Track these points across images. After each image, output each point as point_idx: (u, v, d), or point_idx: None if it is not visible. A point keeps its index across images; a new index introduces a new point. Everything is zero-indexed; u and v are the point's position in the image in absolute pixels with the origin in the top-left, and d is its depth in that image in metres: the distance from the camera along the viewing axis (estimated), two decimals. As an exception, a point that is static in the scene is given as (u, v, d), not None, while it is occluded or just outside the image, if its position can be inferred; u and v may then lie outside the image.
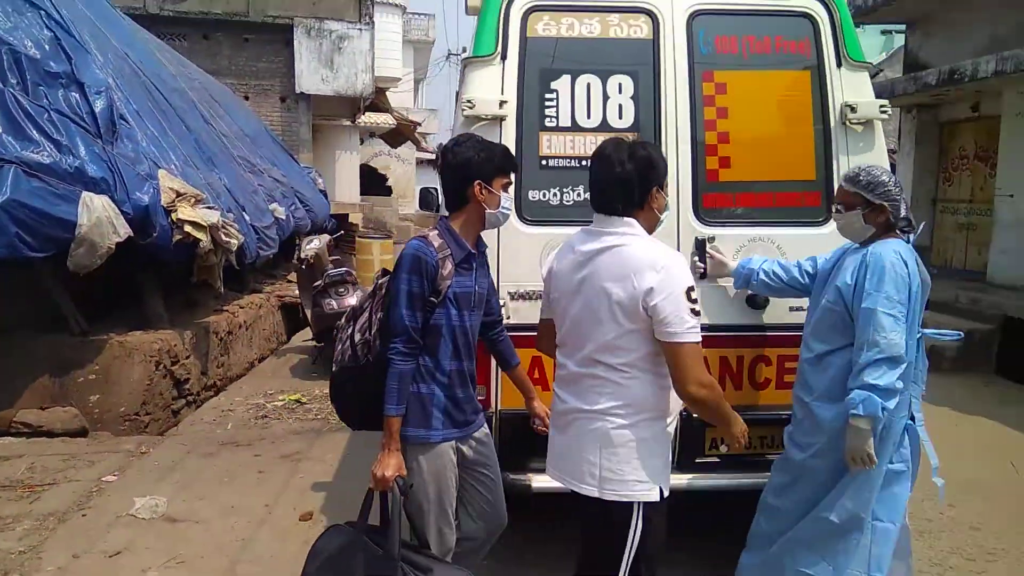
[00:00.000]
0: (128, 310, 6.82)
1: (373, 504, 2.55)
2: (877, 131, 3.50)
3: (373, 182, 23.58)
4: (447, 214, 2.65)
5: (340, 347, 2.72)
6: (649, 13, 3.37)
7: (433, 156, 27.81)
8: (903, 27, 10.85)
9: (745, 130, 3.44)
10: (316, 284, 7.56)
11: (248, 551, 3.74)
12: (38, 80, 6.03)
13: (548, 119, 3.33)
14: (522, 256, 3.29)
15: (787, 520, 3.04)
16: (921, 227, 3.15)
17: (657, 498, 2.34)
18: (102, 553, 3.64)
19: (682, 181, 3.34)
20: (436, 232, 2.57)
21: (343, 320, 2.79)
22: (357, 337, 2.64)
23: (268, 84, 16.01)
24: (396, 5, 21.34)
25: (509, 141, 3.26)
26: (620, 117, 3.35)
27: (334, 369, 2.75)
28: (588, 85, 3.35)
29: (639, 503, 2.32)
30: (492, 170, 2.57)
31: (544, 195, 3.33)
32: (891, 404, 2.69)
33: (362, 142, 22.73)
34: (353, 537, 2.50)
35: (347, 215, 18.16)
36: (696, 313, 2.26)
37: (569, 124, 3.33)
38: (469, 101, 3.27)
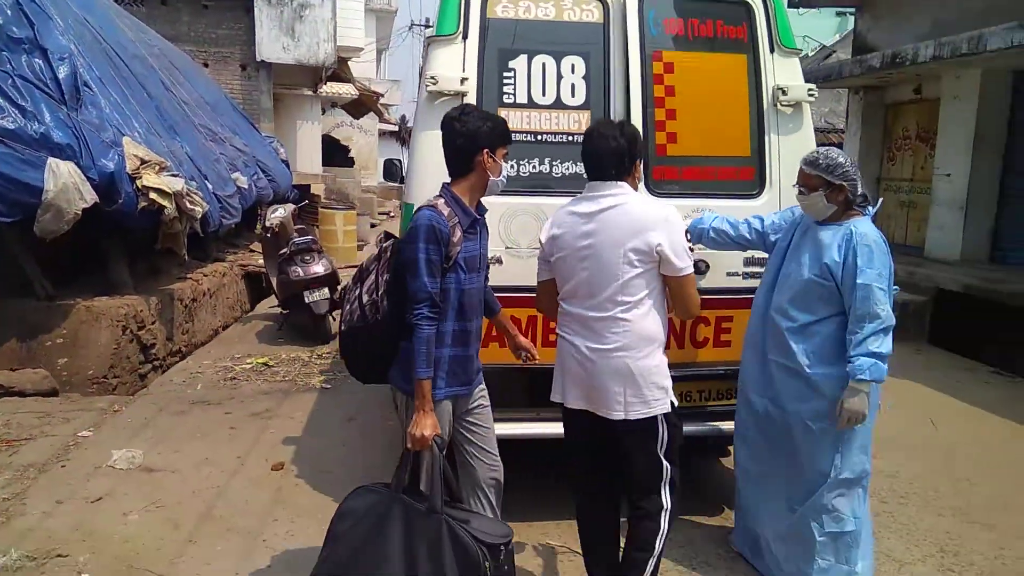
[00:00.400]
0: (93, 276, 6.91)
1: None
2: (805, 113, 3.82)
3: (335, 153, 23.40)
4: (448, 181, 2.79)
5: (348, 307, 2.80)
6: (600, -2, 3.63)
7: (396, 128, 27.72)
8: (854, 10, 11.25)
9: (689, 108, 3.72)
10: (282, 252, 7.71)
11: (223, 497, 3.99)
12: (1, 46, 6.06)
13: (506, 96, 3.59)
14: (481, 223, 3.54)
15: (781, 482, 3.30)
16: (880, 203, 3.49)
17: (670, 408, 2.86)
18: (84, 499, 3.86)
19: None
20: (443, 200, 2.69)
21: (350, 282, 2.87)
22: (365, 298, 2.74)
23: (228, 52, 15.83)
24: (357, -26, 21.09)
25: (470, 116, 3.51)
26: (572, 95, 3.62)
27: (343, 328, 2.82)
28: (543, 65, 3.60)
29: (660, 415, 2.83)
30: (497, 139, 2.76)
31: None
32: (886, 370, 3.01)
33: (324, 112, 22.54)
34: (387, 496, 2.57)
35: (309, 186, 18.12)
36: (692, 248, 2.89)
37: (526, 101, 3.59)
38: (433, 78, 3.50)
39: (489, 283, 3.30)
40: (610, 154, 2.82)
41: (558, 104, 3.60)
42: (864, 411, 3.01)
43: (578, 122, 3.60)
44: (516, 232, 3.58)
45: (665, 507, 2.88)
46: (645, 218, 2.78)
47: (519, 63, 3.59)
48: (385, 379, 2.81)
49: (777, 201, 3.76)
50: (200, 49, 15.51)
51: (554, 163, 3.61)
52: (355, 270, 2.89)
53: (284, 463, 4.44)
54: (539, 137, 3.60)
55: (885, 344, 2.98)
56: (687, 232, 3.53)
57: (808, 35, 15.13)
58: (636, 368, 2.80)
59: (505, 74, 3.59)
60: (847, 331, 3.05)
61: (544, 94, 3.61)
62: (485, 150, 2.72)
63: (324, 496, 4.04)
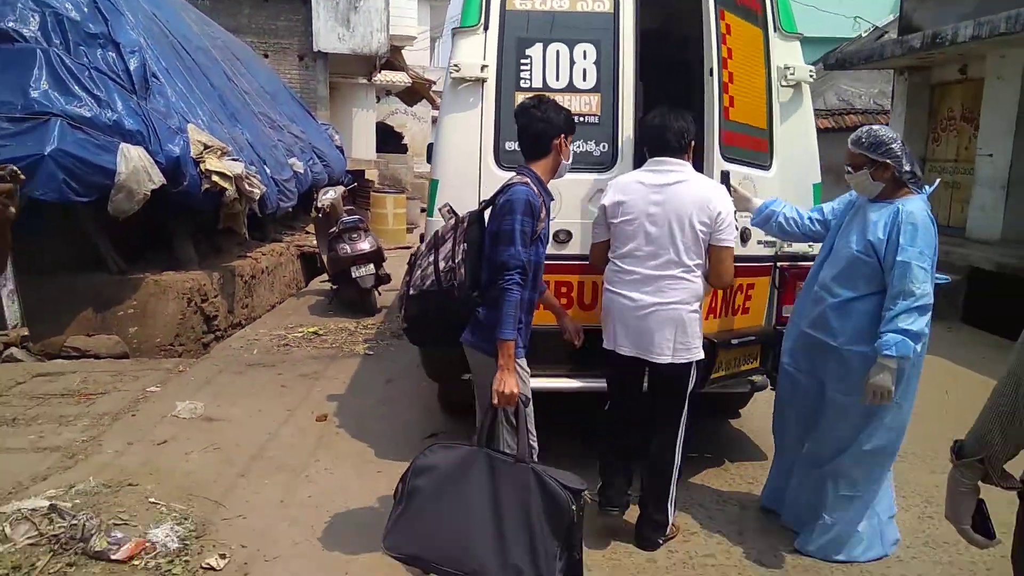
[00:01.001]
0: (161, 253, 7.50)
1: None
2: (805, 93, 4.07)
3: (389, 139, 24.03)
4: (530, 163, 3.03)
5: (419, 272, 2.95)
6: (611, -11, 3.93)
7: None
8: (899, -9, 11.20)
9: (739, 74, 3.92)
10: (331, 231, 8.22)
11: (273, 441, 4.49)
12: (79, 40, 6.65)
13: (523, 80, 3.93)
14: (499, 196, 3.90)
15: (812, 445, 3.50)
16: (936, 182, 3.57)
17: (703, 356, 3.38)
18: (151, 442, 4.39)
19: (708, 119, 3.74)
20: (530, 180, 2.92)
21: (423, 247, 3.02)
22: (442, 264, 2.88)
23: (287, 43, 16.49)
24: (412, -37, 21.56)
25: (490, 100, 3.89)
26: (584, 79, 3.94)
27: (411, 292, 2.95)
28: (557, 52, 3.93)
29: (695, 361, 3.35)
30: (569, 127, 3.07)
31: (518, 145, 3.94)
32: (919, 347, 3.05)
33: (378, 100, 23.15)
34: (469, 450, 2.67)
35: (363, 171, 18.72)
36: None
37: (540, 85, 3.92)
38: (456, 65, 3.88)
39: None
40: (673, 132, 3.31)
41: (571, 88, 3.93)
42: (888, 387, 3.06)
43: (588, 104, 3.93)
44: (531, 204, 3.92)
45: (680, 433, 3.41)
46: (708, 193, 3.28)
47: (535, 51, 3.93)
48: (446, 342, 3.04)
49: (778, 174, 4.02)
50: (260, 40, 16.19)
51: (566, 142, 3.94)
52: (411, 248, 3.16)
53: (327, 415, 4.92)
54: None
55: (917, 323, 3.00)
56: (752, 213, 3.80)
57: (860, 15, 14.93)
58: (687, 319, 3.28)
59: (522, 61, 3.93)
60: (883, 308, 3.10)
61: (558, 79, 3.93)
62: (562, 135, 3.04)
63: (361, 443, 4.51)
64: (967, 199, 10.01)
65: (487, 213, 3.00)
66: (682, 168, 3.32)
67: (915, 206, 3.12)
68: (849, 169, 3.28)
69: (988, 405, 1.75)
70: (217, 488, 3.83)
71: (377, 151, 20.75)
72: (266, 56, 16.03)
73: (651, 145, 3.40)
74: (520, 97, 3.91)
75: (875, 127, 3.28)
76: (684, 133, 3.33)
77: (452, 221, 2.98)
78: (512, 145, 3.94)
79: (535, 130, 3.02)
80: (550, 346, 3.64)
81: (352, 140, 19.04)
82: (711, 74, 3.74)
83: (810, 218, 3.63)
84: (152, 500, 3.64)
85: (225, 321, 7.68)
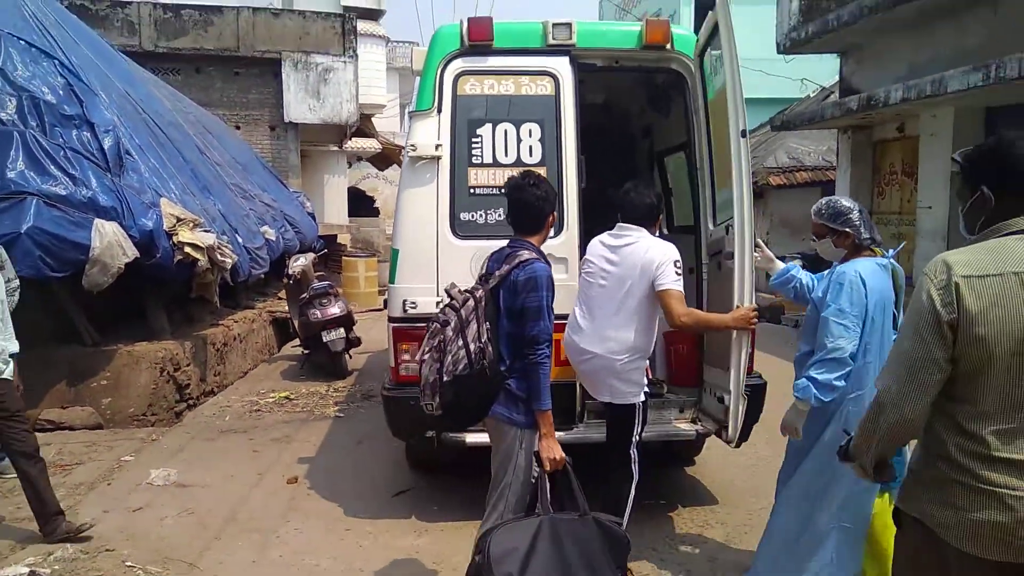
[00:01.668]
0: (134, 324, 7.63)
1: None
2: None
3: (361, 204, 24.42)
4: (526, 237, 3.17)
5: (450, 358, 2.89)
6: (552, 75, 4.32)
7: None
8: (837, 56, 11.90)
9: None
10: (302, 296, 8.45)
11: (244, 505, 4.64)
12: (54, 122, 6.91)
13: (475, 157, 4.28)
14: (457, 263, 4.20)
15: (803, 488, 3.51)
16: (900, 245, 3.79)
17: (643, 399, 3.63)
18: (126, 509, 4.53)
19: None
20: (536, 254, 3.09)
21: (449, 332, 2.92)
22: (472, 346, 2.88)
23: (258, 114, 16.94)
24: (380, 36, 22.39)
25: (444, 175, 4.22)
26: (530, 155, 4.30)
27: (446, 380, 2.89)
28: (505, 131, 4.30)
29: (637, 403, 3.61)
30: (556, 204, 3.37)
31: (472, 216, 4.27)
32: (825, 397, 3.17)
33: (350, 165, 23.65)
34: (534, 521, 2.82)
35: (336, 235, 19.06)
36: (679, 275, 3.57)
37: (491, 161, 4.28)
38: (412, 145, 4.22)
39: None
40: (642, 207, 3.70)
41: (518, 163, 4.28)
42: (795, 426, 3.28)
43: (535, 177, 4.26)
44: (484, 271, 4.21)
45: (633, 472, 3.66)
46: (652, 253, 3.57)
47: (485, 130, 4.29)
48: (476, 421, 3.13)
49: None
50: (232, 112, 16.63)
51: (516, 212, 4.26)
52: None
53: (298, 477, 5.09)
54: (502, 190, 4.25)
55: (824, 374, 3.16)
56: (773, 274, 3.98)
57: (807, 78, 15.76)
58: (621, 369, 3.57)
59: (473, 139, 4.29)
60: None
61: (506, 155, 4.29)
62: (554, 212, 3.25)
63: (331, 503, 4.68)
64: (912, 248, 10.53)
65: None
66: (638, 233, 3.66)
67: (853, 267, 3.27)
68: (814, 238, 3.51)
69: (860, 423, 2.04)
70: (191, 551, 3.98)
71: (349, 215, 21.11)
72: (238, 128, 16.45)
73: (621, 212, 3.76)
74: (473, 172, 4.28)
75: (834, 199, 3.49)
76: (653, 207, 3.72)
77: (470, 302, 2.98)
78: (466, 216, 4.28)
79: (532, 207, 3.13)
80: None
81: (324, 205, 19.40)
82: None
83: (813, 285, 3.80)
84: (128, 564, 3.79)
85: (197, 389, 7.81)
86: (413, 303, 4.19)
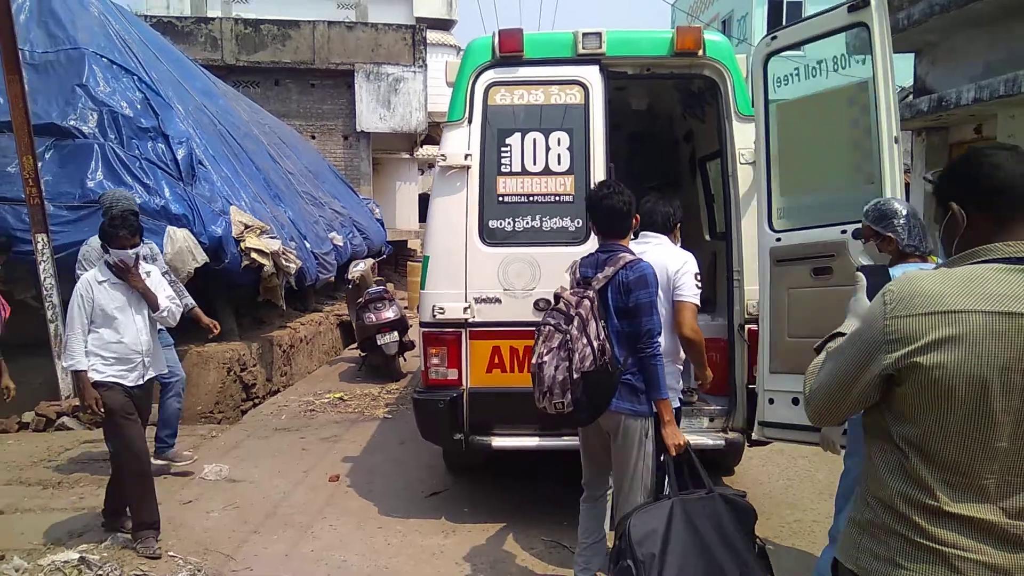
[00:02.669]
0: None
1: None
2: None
3: (433, 209, 24.89)
4: (615, 241, 3.30)
5: (577, 356, 3.07)
6: (582, 84, 4.37)
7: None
8: (912, 55, 11.43)
9: None
10: (359, 300, 8.72)
11: (287, 500, 4.86)
12: (131, 134, 7.39)
13: (503, 166, 4.35)
14: (485, 270, 4.29)
15: None
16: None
17: (678, 405, 3.56)
18: (178, 501, 4.80)
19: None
20: (633, 255, 3.27)
21: (574, 331, 3.08)
22: (595, 343, 3.07)
23: (332, 124, 17.55)
24: (451, 46, 22.78)
25: (474, 184, 4.32)
26: (559, 163, 4.34)
27: (575, 377, 3.07)
28: (535, 140, 4.35)
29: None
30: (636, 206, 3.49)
31: (501, 223, 4.34)
32: None
33: (422, 172, 24.14)
34: (666, 503, 2.92)
35: (406, 240, 19.52)
36: (699, 287, 3.55)
37: (519, 170, 4.34)
38: (443, 155, 4.34)
39: (490, 319, 4.13)
40: (662, 215, 3.72)
41: (547, 171, 4.33)
42: (831, 439, 3.47)
43: (563, 185, 4.32)
44: (512, 277, 4.28)
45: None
46: (667, 258, 3.55)
47: (514, 139, 4.36)
48: (601, 413, 3.21)
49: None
50: (308, 123, 17.29)
51: (544, 219, 4.33)
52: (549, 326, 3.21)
53: (339, 475, 5.28)
54: (531, 198, 4.34)
55: None
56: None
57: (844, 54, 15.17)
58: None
59: (503, 149, 4.36)
60: None
61: (535, 163, 4.34)
62: (637, 215, 3.42)
63: (367, 501, 4.85)
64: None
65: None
66: (657, 239, 3.69)
67: (899, 271, 3.13)
68: (863, 240, 3.49)
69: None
70: (231, 543, 4.19)
71: (420, 221, 21.55)
72: (312, 137, 17.08)
73: (643, 222, 3.75)
74: (502, 181, 4.36)
75: (884, 200, 3.39)
76: (670, 216, 3.73)
77: (585, 302, 3.14)
78: (495, 223, 4.36)
79: (622, 211, 3.27)
80: (523, 408, 3.93)
81: (395, 212, 19.90)
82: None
83: None
84: (171, 554, 4.03)
85: (264, 388, 8.16)
86: (441, 309, 4.29)
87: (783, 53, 4.12)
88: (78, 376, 4.10)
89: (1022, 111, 9.00)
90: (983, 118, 9.91)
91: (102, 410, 4.02)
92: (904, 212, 3.30)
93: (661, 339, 3.29)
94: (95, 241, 4.86)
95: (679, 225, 3.83)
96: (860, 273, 2.17)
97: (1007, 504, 1.52)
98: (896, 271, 3.17)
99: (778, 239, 4.00)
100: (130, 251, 4.09)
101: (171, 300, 4.35)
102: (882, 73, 3.64)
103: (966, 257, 1.63)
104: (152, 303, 4.20)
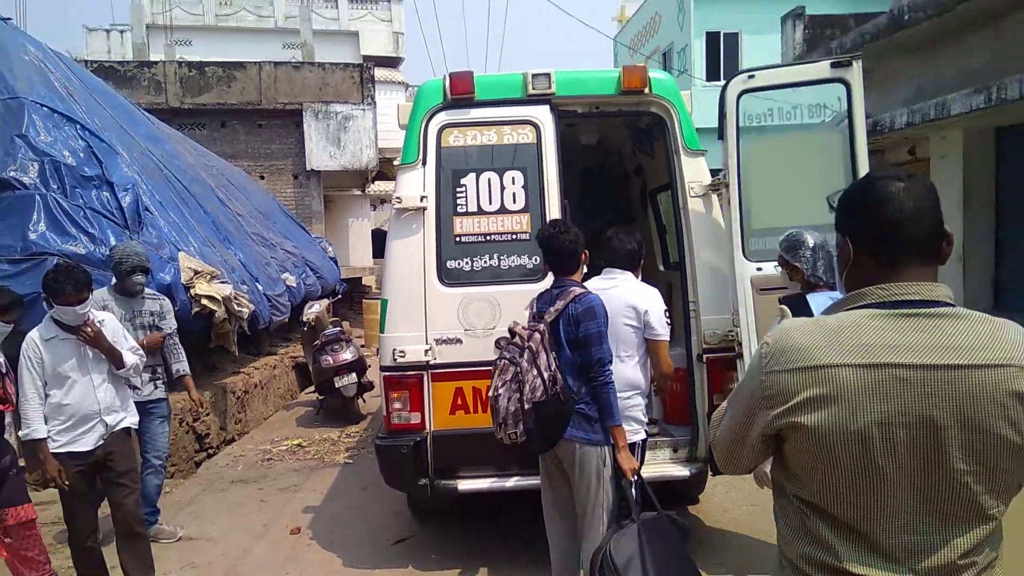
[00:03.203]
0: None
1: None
2: (712, 201, 4.47)
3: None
4: (566, 276, 3.45)
5: (528, 387, 3.20)
6: (533, 123, 4.41)
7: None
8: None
9: None
10: (315, 343, 8.59)
11: (247, 556, 4.70)
12: (74, 183, 7.19)
13: (459, 206, 4.36)
14: (445, 310, 4.27)
15: None
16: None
17: (643, 438, 3.68)
18: (133, 563, 4.60)
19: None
20: (583, 289, 3.42)
21: (524, 363, 3.24)
22: (545, 374, 3.20)
23: (281, 164, 17.42)
24: (399, 83, 22.91)
25: (431, 225, 4.31)
26: (514, 202, 4.37)
27: (526, 407, 3.20)
28: (489, 180, 4.38)
29: (637, 442, 3.61)
30: (584, 243, 3.52)
31: (459, 263, 4.34)
32: None
33: (375, 208, 24.10)
34: (633, 527, 3.11)
35: (360, 278, 19.35)
36: (669, 324, 3.68)
37: (475, 209, 4.36)
38: (399, 198, 4.32)
39: (452, 360, 4.10)
40: (624, 253, 3.79)
41: (502, 210, 4.36)
42: (762, 472, 3.42)
43: (519, 223, 4.34)
44: (472, 316, 4.27)
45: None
46: (635, 297, 3.65)
47: (469, 180, 4.38)
48: (554, 442, 3.34)
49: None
50: (256, 163, 17.13)
51: (502, 257, 4.34)
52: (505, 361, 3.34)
53: (300, 527, 5.14)
54: (488, 237, 4.35)
55: None
56: None
57: (823, 103, 15.73)
58: (622, 406, 3.50)
59: (458, 189, 4.38)
60: None
61: (490, 203, 4.37)
62: (585, 251, 3.51)
63: (329, 553, 4.72)
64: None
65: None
66: (623, 277, 3.75)
67: (815, 301, 3.29)
68: (778, 268, 3.64)
69: None
70: (189, 605, 4.04)
71: (374, 257, 21.43)
72: (262, 177, 16.91)
73: (606, 258, 3.84)
74: (458, 221, 4.36)
75: (797, 231, 3.52)
76: (634, 254, 3.81)
77: (536, 335, 3.29)
78: (452, 264, 4.35)
79: (566, 250, 3.43)
80: (488, 448, 3.87)
81: (348, 249, 19.75)
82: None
83: None
84: (127, 622, 3.86)
85: (218, 438, 7.93)
86: (402, 351, 4.25)
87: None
88: (36, 446, 3.79)
89: (952, 133, 9.41)
90: (916, 140, 10.32)
91: (66, 482, 3.79)
92: (811, 243, 3.43)
93: (613, 367, 3.39)
94: (99, 293, 4.78)
95: (642, 260, 3.90)
96: (782, 305, 2.19)
97: (920, 566, 1.40)
98: (813, 300, 3.32)
99: (759, 268, 4.08)
100: (77, 308, 3.81)
101: (134, 352, 4.11)
102: (859, 126, 3.94)
103: (847, 301, 1.50)
104: (117, 361, 3.93)
